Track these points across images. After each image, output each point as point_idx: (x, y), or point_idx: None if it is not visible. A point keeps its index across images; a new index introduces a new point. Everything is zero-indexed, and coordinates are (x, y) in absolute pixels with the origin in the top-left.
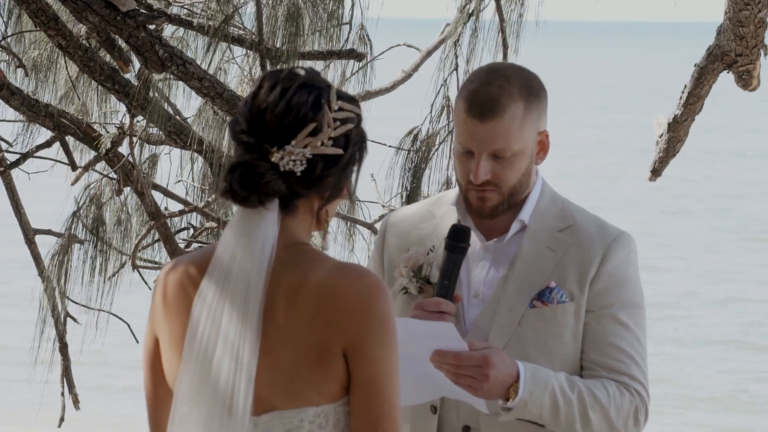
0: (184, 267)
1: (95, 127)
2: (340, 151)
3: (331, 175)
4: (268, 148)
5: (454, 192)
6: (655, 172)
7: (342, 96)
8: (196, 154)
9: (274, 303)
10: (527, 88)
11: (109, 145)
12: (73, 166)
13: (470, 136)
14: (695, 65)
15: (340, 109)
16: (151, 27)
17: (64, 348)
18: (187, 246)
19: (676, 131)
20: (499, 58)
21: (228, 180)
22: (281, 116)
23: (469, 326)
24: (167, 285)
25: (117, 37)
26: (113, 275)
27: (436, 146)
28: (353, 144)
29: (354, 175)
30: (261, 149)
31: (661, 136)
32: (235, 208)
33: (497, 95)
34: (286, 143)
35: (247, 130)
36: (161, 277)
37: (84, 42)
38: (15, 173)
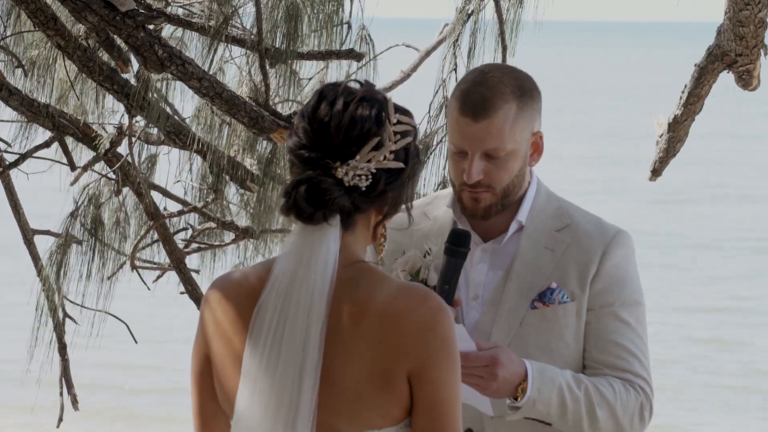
0: (237, 285)
1: (94, 127)
2: (402, 165)
3: (392, 190)
4: (330, 163)
5: (447, 192)
6: (655, 172)
7: (398, 109)
8: (194, 155)
9: (337, 325)
10: (520, 88)
11: (107, 145)
12: (72, 166)
13: (463, 136)
14: (695, 65)
15: (399, 122)
16: (151, 27)
17: (62, 348)
18: (186, 246)
19: (676, 131)
20: (499, 58)
21: (292, 196)
22: (346, 130)
23: (470, 328)
24: (219, 303)
25: (116, 37)
26: (112, 275)
27: (434, 146)
28: (412, 157)
29: (410, 189)
30: (323, 164)
31: (661, 136)
32: (294, 225)
33: (489, 95)
34: (350, 158)
35: (308, 145)
36: (210, 295)
37: (83, 42)
38: (14, 173)
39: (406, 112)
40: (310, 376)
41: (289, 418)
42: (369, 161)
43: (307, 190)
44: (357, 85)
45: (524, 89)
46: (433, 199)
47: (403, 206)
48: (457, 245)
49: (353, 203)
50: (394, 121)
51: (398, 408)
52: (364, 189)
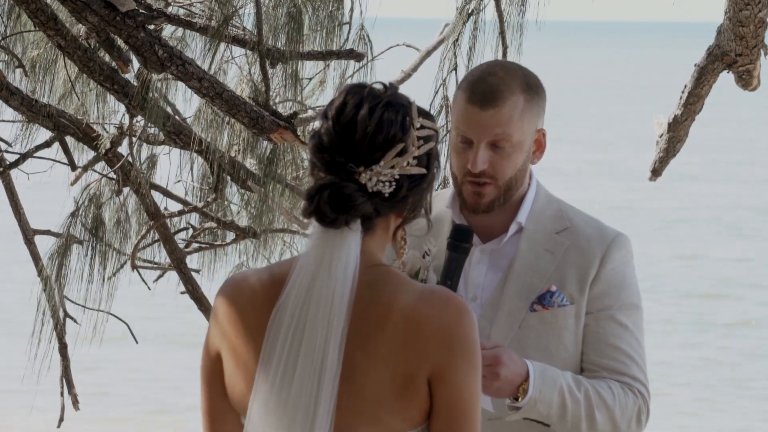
0: (253, 284)
1: (95, 127)
2: (424, 171)
3: (413, 195)
4: (353, 168)
5: (447, 193)
6: (655, 172)
7: (421, 112)
8: (195, 155)
9: (359, 328)
10: (527, 83)
11: (108, 145)
12: (73, 166)
13: (469, 124)
14: (695, 65)
15: (422, 126)
16: (151, 27)
17: (63, 348)
18: (187, 246)
19: (676, 131)
20: (499, 59)
21: (315, 200)
22: (372, 136)
23: None
24: (233, 302)
25: (116, 37)
26: (112, 275)
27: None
28: (433, 162)
29: (430, 193)
30: (346, 169)
31: (661, 136)
32: (313, 227)
33: (498, 85)
34: (374, 163)
35: (332, 149)
36: (224, 293)
37: (83, 42)
38: (14, 173)
39: (428, 116)
40: (329, 380)
41: (306, 422)
42: (392, 167)
43: (330, 196)
44: (381, 87)
45: (531, 85)
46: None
47: (423, 211)
48: (459, 240)
49: (375, 208)
50: (418, 125)
51: (418, 412)
52: (386, 195)
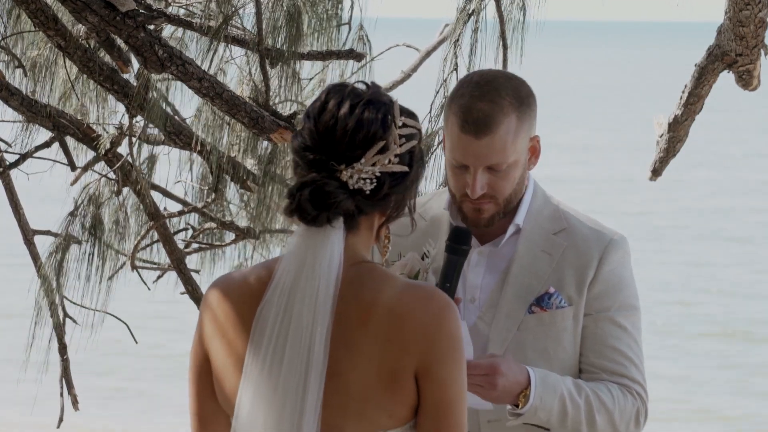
0: (239, 285)
1: (94, 127)
2: (406, 169)
3: (396, 193)
4: (335, 166)
5: (443, 193)
6: (656, 172)
7: (404, 111)
8: (195, 155)
9: (344, 325)
10: (518, 98)
11: (108, 146)
12: (72, 166)
13: (465, 152)
14: (695, 65)
15: (404, 125)
16: (151, 27)
17: (62, 348)
18: (186, 246)
19: (677, 131)
20: (500, 59)
21: (296, 198)
22: (352, 134)
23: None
24: (219, 303)
25: (116, 37)
26: (112, 276)
27: (434, 146)
28: (416, 160)
29: (414, 192)
30: (328, 167)
31: (661, 136)
32: (296, 226)
33: (490, 111)
34: (355, 161)
35: (314, 147)
36: (210, 295)
37: (83, 42)
38: (14, 174)
39: (411, 115)
40: (315, 377)
41: (293, 420)
42: (374, 165)
43: (311, 193)
44: (363, 86)
45: (521, 98)
46: (428, 200)
47: (406, 211)
48: (458, 243)
49: (357, 206)
50: (400, 124)
51: (405, 408)
52: (368, 192)
